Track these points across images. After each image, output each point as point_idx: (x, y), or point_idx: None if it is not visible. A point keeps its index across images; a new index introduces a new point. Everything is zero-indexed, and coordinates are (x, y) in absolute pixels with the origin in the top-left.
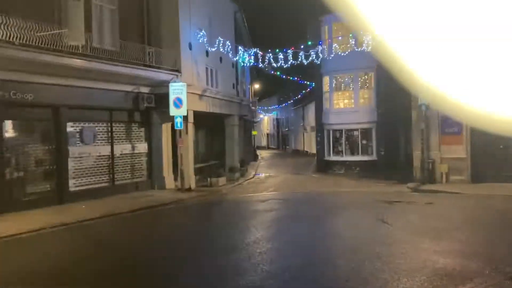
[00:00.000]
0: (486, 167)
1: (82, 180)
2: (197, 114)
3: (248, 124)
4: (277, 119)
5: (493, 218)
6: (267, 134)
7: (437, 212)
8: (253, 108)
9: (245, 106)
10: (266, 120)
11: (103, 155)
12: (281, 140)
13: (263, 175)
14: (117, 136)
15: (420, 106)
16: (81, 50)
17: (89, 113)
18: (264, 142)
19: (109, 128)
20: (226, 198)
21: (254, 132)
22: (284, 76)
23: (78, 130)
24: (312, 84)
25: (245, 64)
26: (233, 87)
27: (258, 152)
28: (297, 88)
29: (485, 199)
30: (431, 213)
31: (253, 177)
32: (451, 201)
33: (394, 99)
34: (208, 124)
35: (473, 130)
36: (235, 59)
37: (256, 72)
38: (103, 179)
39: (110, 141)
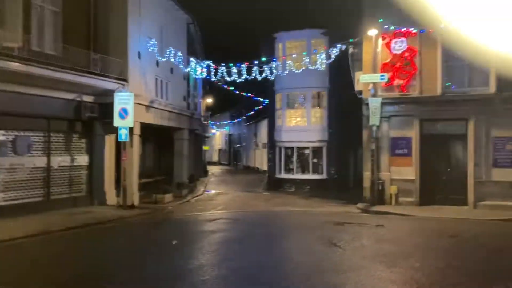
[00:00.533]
0: (434, 189)
1: (13, 193)
2: (144, 127)
3: (199, 138)
4: (229, 134)
5: (444, 242)
6: (219, 149)
7: (389, 236)
8: (205, 122)
9: (196, 120)
10: (218, 135)
11: (39, 167)
12: (233, 156)
13: (212, 192)
14: (55, 147)
15: (371, 127)
16: (17, 53)
17: (24, 121)
18: (215, 158)
19: (47, 138)
20: (171, 216)
21: (205, 147)
22: (237, 92)
23: (10, 139)
24: (265, 101)
25: (197, 77)
26: (184, 100)
27: (209, 167)
28: (250, 104)
29: (434, 222)
30: (383, 236)
31: (202, 194)
32: (402, 224)
33: (346, 119)
34: (156, 137)
35: (422, 152)
36: (186, 70)
37: (208, 87)
38: (37, 193)
39: (47, 152)
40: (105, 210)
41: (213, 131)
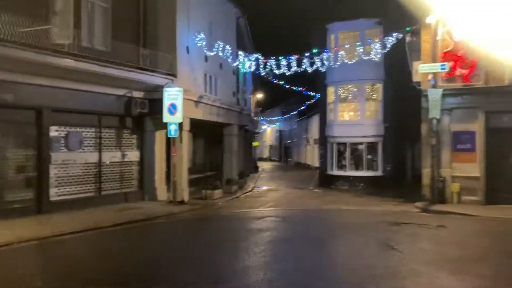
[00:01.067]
0: (500, 187)
1: (65, 189)
2: (194, 122)
3: (249, 134)
4: (280, 130)
5: None
6: (270, 145)
7: (452, 238)
8: (255, 118)
9: (246, 116)
10: (268, 131)
11: (90, 163)
12: (284, 152)
13: (262, 188)
14: (106, 143)
15: (431, 120)
16: (68, 49)
17: (76, 117)
18: (266, 154)
19: (98, 134)
20: (220, 213)
21: (255, 143)
22: (287, 86)
23: (63, 135)
24: (316, 96)
25: (246, 72)
26: (233, 95)
27: (259, 164)
28: (301, 99)
29: (502, 224)
30: (445, 238)
31: (251, 190)
32: (465, 225)
33: (403, 112)
34: (206, 133)
35: (488, 147)
36: (235, 64)
37: (259, 82)
38: (89, 189)
39: (98, 148)
40: (155, 206)
41: (263, 127)
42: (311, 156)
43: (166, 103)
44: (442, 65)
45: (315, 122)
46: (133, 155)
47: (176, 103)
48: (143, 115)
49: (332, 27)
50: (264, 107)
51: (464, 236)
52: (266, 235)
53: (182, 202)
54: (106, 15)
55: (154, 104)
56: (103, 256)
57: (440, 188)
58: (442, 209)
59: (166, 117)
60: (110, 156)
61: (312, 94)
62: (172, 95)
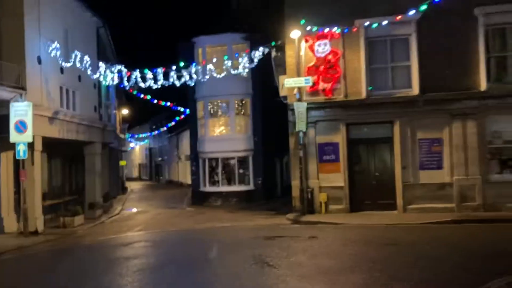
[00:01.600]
0: (363, 195)
1: None
2: (50, 141)
3: (114, 153)
4: (150, 148)
5: (381, 252)
6: (139, 164)
7: (324, 248)
8: (122, 135)
9: (110, 133)
10: (137, 149)
11: None
12: (154, 170)
13: (131, 210)
14: None
15: (298, 133)
16: None
17: None
18: (135, 173)
19: None
20: (81, 242)
21: (122, 163)
22: (155, 101)
23: None
24: (186, 111)
25: (109, 85)
26: (95, 110)
27: (128, 184)
28: (171, 115)
29: (367, 230)
30: (318, 249)
31: (118, 213)
32: (335, 234)
33: (271, 126)
34: (64, 152)
35: (350, 157)
36: (95, 76)
37: (125, 96)
38: None
39: None
40: (2, 239)
41: (131, 145)
42: (184, 173)
43: (13, 120)
44: (306, 79)
45: (186, 138)
46: None
47: (25, 120)
48: None
49: (199, 40)
50: (132, 124)
51: (334, 245)
52: (133, 264)
53: (35, 233)
54: None
55: (0, 121)
56: None
57: (309, 198)
58: (312, 219)
59: (14, 136)
60: None
61: (182, 109)
62: (20, 111)
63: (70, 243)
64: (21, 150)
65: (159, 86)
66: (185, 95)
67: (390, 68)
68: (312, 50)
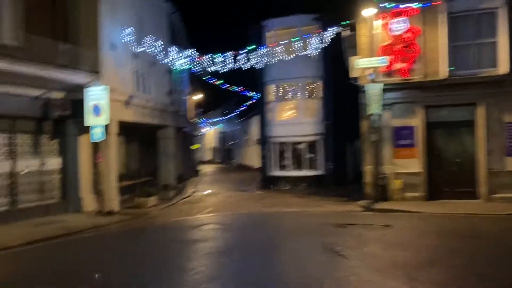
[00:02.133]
0: (441, 182)
1: None
2: (126, 125)
3: (188, 137)
4: (222, 132)
5: (465, 245)
6: (212, 148)
7: (399, 238)
8: (195, 120)
9: (183, 117)
10: (211, 133)
11: (2, 173)
12: (226, 154)
13: (202, 192)
14: (22, 150)
15: (371, 116)
16: None
17: None
18: (209, 156)
19: (11, 141)
20: (153, 223)
21: (195, 146)
22: (225, 87)
23: None
24: (256, 96)
25: (182, 71)
26: (168, 95)
27: (202, 167)
28: (242, 100)
29: (446, 220)
30: (392, 239)
31: (190, 195)
32: (411, 223)
33: (343, 110)
34: (140, 136)
35: (428, 141)
36: (166, 61)
37: (199, 83)
38: (2, 202)
39: (11, 155)
40: (80, 218)
41: (205, 129)
42: (253, 157)
43: (89, 104)
44: (380, 59)
45: (255, 122)
46: (54, 162)
47: (101, 104)
48: (64, 118)
49: (268, 23)
50: (206, 109)
51: (410, 235)
52: (201, 247)
53: (111, 213)
54: (16, 5)
55: (77, 105)
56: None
57: (382, 185)
58: (385, 207)
59: (89, 120)
60: (26, 165)
61: (252, 94)
62: (96, 95)
63: (142, 224)
64: (96, 134)
65: (228, 70)
66: (254, 79)
67: (473, 45)
68: (387, 29)
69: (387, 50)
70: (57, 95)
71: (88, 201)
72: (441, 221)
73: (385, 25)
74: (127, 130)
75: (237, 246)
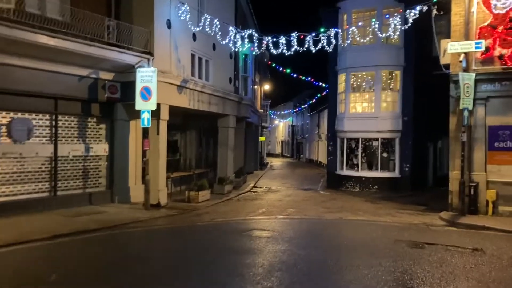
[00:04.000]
0: None
1: (6, 188)
2: (183, 112)
3: (253, 128)
4: (292, 126)
5: None
6: (282, 141)
7: (498, 271)
8: (262, 111)
9: (247, 107)
10: (281, 126)
11: (42, 157)
12: (296, 148)
13: (262, 188)
14: (65, 133)
15: (462, 111)
16: (11, 15)
17: (23, 100)
18: (278, 150)
19: (53, 122)
20: (198, 221)
21: (261, 138)
22: (295, 75)
23: (5, 123)
24: (328, 87)
25: (248, 57)
26: (230, 82)
27: (270, 160)
28: (313, 93)
29: None
30: (488, 271)
31: (249, 191)
32: (509, 247)
33: (424, 104)
34: (199, 124)
35: None
36: (224, 42)
37: (267, 72)
38: (40, 188)
39: (53, 138)
40: (123, 210)
41: (276, 121)
42: (323, 152)
43: (138, 87)
44: (477, 43)
45: (326, 116)
46: (101, 148)
47: (150, 87)
48: (113, 100)
49: (344, 4)
50: (277, 101)
51: (511, 266)
52: (239, 263)
53: (157, 205)
54: None
55: (128, 87)
56: None
57: (471, 195)
58: (474, 222)
59: (139, 103)
60: (70, 149)
61: (324, 85)
62: (146, 77)
63: (186, 222)
64: (145, 118)
65: (296, 53)
66: (326, 68)
67: None
68: (488, 5)
69: (486, 32)
70: (106, 75)
71: (137, 192)
72: None
73: (485, 1)
74: (185, 117)
75: (279, 266)
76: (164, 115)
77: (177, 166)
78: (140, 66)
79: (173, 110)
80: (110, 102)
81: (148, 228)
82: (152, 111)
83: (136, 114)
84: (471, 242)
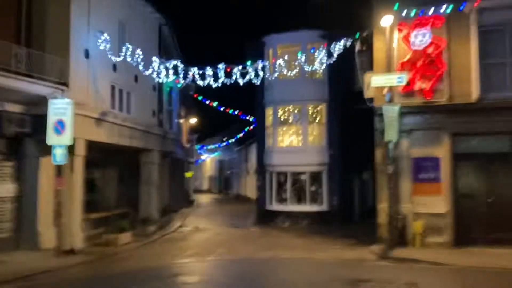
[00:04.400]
0: (471, 225)
1: None
2: (100, 147)
3: (179, 164)
4: (220, 160)
5: None
6: (209, 176)
7: None
8: (188, 145)
9: (172, 141)
10: (208, 161)
11: None
12: (224, 183)
13: (189, 227)
14: None
15: (387, 144)
16: None
17: None
18: (206, 185)
19: None
20: (116, 269)
21: (188, 174)
22: (222, 108)
23: None
24: (255, 120)
25: (172, 90)
26: (154, 115)
27: (198, 196)
28: (240, 127)
29: (490, 276)
30: None
31: (175, 231)
32: (441, 280)
33: (349, 138)
34: (119, 160)
35: (456, 176)
36: (147, 72)
37: (193, 105)
38: None
39: None
40: (30, 258)
41: (203, 157)
42: (252, 187)
43: (51, 120)
44: (399, 77)
45: (254, 150)
46: (5, 189)
47: (64, 120)
48: (22, 135)
49: (269, 39)
50: (204, 135)
51: None
52: None
53: (72, 251)
54: None
55: (40, 121)
56: None
57: (399, 227)
58: (404, 255)
59: (51, 138)
60: None
61: (251, 119)
62: (59, 109)
63: (103, 270)
64: (58, 154)
65: (220, 85)
66: (253, 102)
67: (510, 64)
68: (407, 42)
69: (407, 66)
70: (13, 107)
71: (48, 236)
72: (481, 277)
73: (405, 38)
74: (104, 153)
75: None
76: (80, 150)
77: (96, 206)
78: (54, 98)
79: (91, 145)
80: (17, 137)
81: (56, 279)
82: (67, 146)
83: (49, 150)
84: (404, 276)
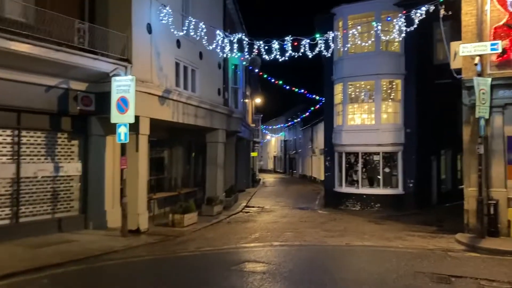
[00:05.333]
0: None
1: None
2: (168, 126)
3: (245, 143)
4: (285, 140)
5: None
6: (274, 156)
7: None
8: (253, 125)
9: (238, 120)
10: (273, 141)
11: (2, 178)
12: (288, 164)
13: (255, 207)
14: (30, 151)
15: (478, 120)
16: None
17: None
18: (270, 166)
19: (16, 139)
20: (181, 251)
21: (253, 154)
22: (287, 87)
23: None
24: (322, 99)
25: (238, 68)
26: (219, 94)
27: (262, 176)
28: (306, 107)
29: None
30: None
31: (241, 211)
32: None
33: (428, 116)
34: (186, 139)
35: None
36: (211, 47)
37: (259, 84)
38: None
39: (16, 157)
40: (96, 238)
41: (267, 137)
42: (317, 168)
43: (114, 97)
44: (492, 44)
45: (321, 130)
46: (73, 167)
47: (128, 97)
48: (87, 113)
49: (339, 10)
50: (269, 115)
51: None
52: None
53: (137, 231)
54: None
55: (103, 99)
56: None
57: (490, 215)
58: (498, 246)
59: (115, 116)
60: (36, 169)
61: (318, 98)
62: (123, 87)
63: (167, 252)
64: (122, 133)
65: (286, 59)
66: (321, 78)
67: None
68: (503, 3)
69: (502, 32)
70: (78, 85)
71: (114, 216)
72: None
73: None
74: (171, 132)
75: None
76: (144, 129)
77: (162, 186)
78: (116, 75)
79: (157, 124)
80: (83, 115)
81: (122, 261)
82: (130, 125)
83: (113, 129)
84: (505, 273)
